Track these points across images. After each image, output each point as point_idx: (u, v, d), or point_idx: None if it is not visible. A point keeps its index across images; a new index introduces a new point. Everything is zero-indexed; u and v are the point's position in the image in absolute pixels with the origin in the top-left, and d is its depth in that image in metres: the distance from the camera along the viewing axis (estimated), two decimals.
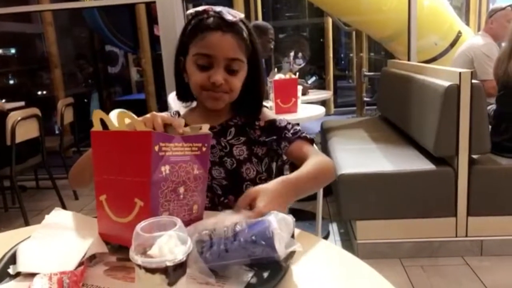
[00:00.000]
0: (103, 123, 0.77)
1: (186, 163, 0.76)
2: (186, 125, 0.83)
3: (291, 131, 1.08)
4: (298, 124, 1.13)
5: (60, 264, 0.70)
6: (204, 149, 0.80)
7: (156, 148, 0.70)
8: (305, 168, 0.96)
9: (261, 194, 0.80)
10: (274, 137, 1.08)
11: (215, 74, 1.00)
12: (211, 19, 1.00)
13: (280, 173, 1.16)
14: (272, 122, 1.10)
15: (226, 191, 1.07)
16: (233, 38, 1.00)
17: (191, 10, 1.04)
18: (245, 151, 1.07)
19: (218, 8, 1.01)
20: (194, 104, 1.16)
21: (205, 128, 0.83)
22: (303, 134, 1.08)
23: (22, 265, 0.72)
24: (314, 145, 1.10)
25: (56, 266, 0.69)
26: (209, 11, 1.01)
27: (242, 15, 1.04)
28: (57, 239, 0.79)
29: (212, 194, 1.05)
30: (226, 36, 0.99)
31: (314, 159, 1.00)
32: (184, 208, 0.78)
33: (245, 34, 1.02)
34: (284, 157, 1.11)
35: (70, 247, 0.77)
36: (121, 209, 0.72)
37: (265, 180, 1.10)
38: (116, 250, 0.77)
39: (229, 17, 0.99)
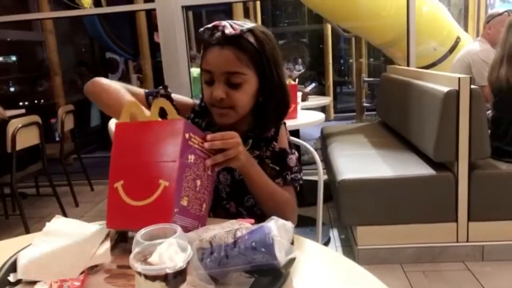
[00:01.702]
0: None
1: (204, 160, 0.82)
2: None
3: (292, 176, 1.07)
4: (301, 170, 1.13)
5: (61, 272, 0.70)
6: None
7: (187, 135, 0.75)
8: (272, 183, 1.03)
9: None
10: (277, 168, 1.07)
11: (215, 89, 1.00)
12: (214, 35, 1.00)
13: None
14: (284, 154, 1.08)
15: (229, 197, 1.09)
16: (232, 51, 0.98)
17: (202, 28, 1.04)
18: None
19: (224, 22, 1.00)
20: None
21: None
22: (296, 184, 1.09)
23: (23, 273, 0.72)
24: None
25: (57, 274, 0.69)
26: (218, 26, 1.00)
27: (253, 25, 1.01)
28: (58, 247, 0.79)
29: (216, 194, 1.08)
30: (224, 50, 0.98)
31: (288, 195, 1.05)
32: (198, 202, 0.81)
33: (250, 45, 0.99)
34: None
35: (71, 255, 0.77)
36: (142, 192, 0.74)
37: None
38: (117, 257, 0.77)
39: (228, 30, 0.98)
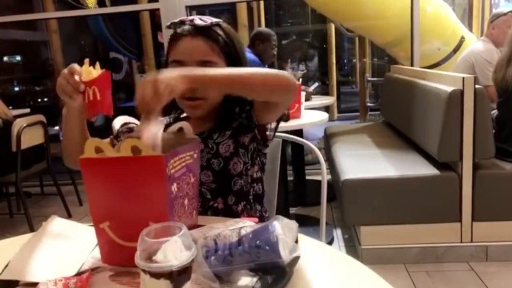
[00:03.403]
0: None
1: (185, 175, 0.77)
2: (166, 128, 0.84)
3: None
4: None
5: (57, 273, 0.70)
6: (195, 155, 0.81)
7: (167, 170, 0.70)
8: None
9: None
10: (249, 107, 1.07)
11: None
12: (184, 27, 1.02)
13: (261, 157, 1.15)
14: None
15: (215, 194, 1.07)
16: (203, 41, 1.01)
17: (168, 23, 1.06)
18: (231, 145, 1.06)
19: (192, 17, 1.03)
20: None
21: (188, 128, 0.84)
22: None
23: (13, 273, 0.72)
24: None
25: (53, 275, 0.69)
26: (185, 21, 1.03)
27: (219, 20, 1.05)
28: (53, 248, 0.80)
29: (202, 198, 1.05)
30: (196, 40, 1.01)
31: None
32: (188, 218, 0.79)
33: (220, 37, 1.03)
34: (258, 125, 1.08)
35: (66, 255, 0.77)
36: (132, 233, 0.68)
37: (251, 170, 1.10)
38: None
39: (198, 22, 1.01)
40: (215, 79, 0.86)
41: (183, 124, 0.82)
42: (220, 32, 1.04)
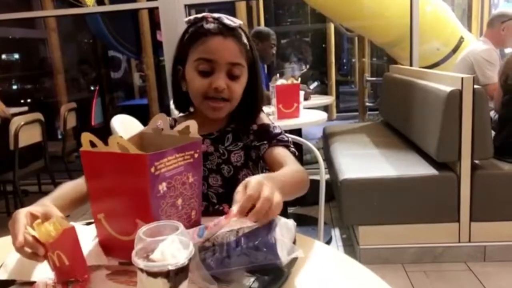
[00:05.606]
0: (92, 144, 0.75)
1: (181, 174, 0.76)
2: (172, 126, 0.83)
3: (278, 138, 1.05)
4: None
5: (46, 272, 0.69)
6: (196, 155, 0.80)
7: (152, 169, 0.69)
8: (287, 172, 0.91)
9: (249, 182, 0.72)
10: (265, 142, 1.04)
11: (217, 79, 0.98)
12: (211, 24, 0.99)
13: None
14: (266, 127, 1.07)
15: (221, 199, 1.06)
16: (234, 42, 0.99)
17: (190, 17, 1.03)
18: (243, 156, 1.06)
19: (217, 15, 1.01)
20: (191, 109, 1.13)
21: (193, 127, 0.82)
22: (289, 146, 1.05)
23: (16, 274, 0.71)
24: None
25: (50, 274, 0.68)
26: (208, 17, 1.00)
27: (241, 22, 1.04)
28: None
29: (207, 202, 1.05)
30: (227, 41, 0.98)
31: (293, 167, 0.95)
32: (183, 218, 0.79)
33: (244, 39, 1.02)
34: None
35: None
36: (123, 228, 0.72)
37: None
38: None
39: (228, 22, 0.99)
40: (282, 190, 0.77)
41: (190, 123, 0.81)
42: (243, 34, 1.02)
